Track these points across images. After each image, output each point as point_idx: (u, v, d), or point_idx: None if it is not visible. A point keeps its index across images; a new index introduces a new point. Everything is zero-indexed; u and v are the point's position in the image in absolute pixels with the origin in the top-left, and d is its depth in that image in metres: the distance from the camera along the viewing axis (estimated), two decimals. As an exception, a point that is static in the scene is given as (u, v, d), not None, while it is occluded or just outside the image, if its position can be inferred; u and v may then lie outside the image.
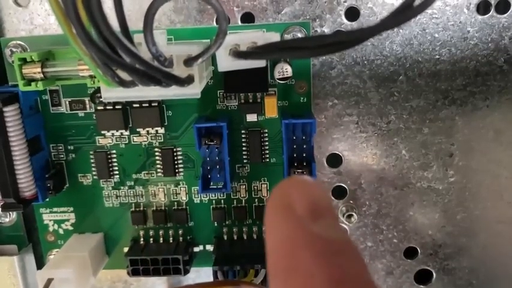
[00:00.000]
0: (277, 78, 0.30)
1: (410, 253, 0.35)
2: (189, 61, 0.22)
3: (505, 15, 0.29)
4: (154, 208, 0.33)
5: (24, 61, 0.27)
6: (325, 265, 0.13)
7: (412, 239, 0.34)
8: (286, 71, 0.29)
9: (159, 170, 0.32)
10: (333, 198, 0.34)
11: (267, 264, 0.14)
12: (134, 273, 0.32)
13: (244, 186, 0.33)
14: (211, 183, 0.32)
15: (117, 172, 0.33)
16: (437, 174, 0.33)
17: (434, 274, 0.35)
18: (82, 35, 0.19)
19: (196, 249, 0.34)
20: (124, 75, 0.21)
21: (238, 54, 0.23)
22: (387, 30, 0.23)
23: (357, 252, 0.14)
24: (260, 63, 0.25)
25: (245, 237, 0.33)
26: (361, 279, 0.13)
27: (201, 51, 0.22)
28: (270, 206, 0.15)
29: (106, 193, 0.33)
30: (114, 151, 0.32)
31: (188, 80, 0.22)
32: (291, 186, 0.15)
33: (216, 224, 0.33)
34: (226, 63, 0.24)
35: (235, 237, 0.33)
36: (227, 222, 0.33)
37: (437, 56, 0.30)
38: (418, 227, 0.34)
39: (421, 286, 0.35)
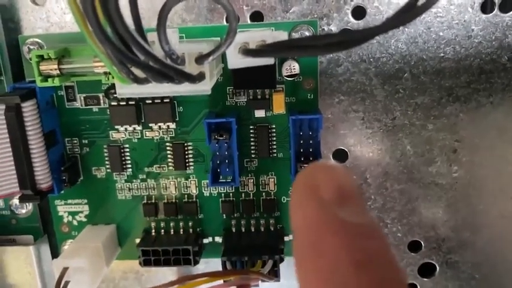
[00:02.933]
0: (285, 75, 0.30)
1: (414, 247, 0.35)
2: (200, 59, 0.23)
3: (509, 14, 0.30)
4: (166, 201, 0.34)
5: (41, 58, 0.28)
6: (350, 249, 0.13)
7: (416, 233, 0.35)
8: (294, 68, 0.30)
9: (170, 164, 0.33)
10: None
11: (293, 243, 0.14)
12: (146, 263, 0.32)
13: (252, 180, 0.33)
14: (221, 177, 0.32)
15: (129, 166, 0.33)
16: (442, 170, 0.33)
17: (437, 267, 0.36)
18: (98, 33, 0.20)
19: (205, 240, 0.35)
20: (138, 73, 0.22)
21: (247, 52, 0.24)
22: (392, 29, 0.23)
23: (382, 236, 0.14)
24: (268, 60, 0.25)
25: (253, 229, 0.34)
26: (385, 261, 0.13)
27: (211, 49, 0.23)
28: (295, 186, 0.15)
29: (119, 186, 0.34)
30: (127, 145, 0.33)
31: (199, 77, 0.23)
32: (317, 170, 0.15)
33: (224, 217, 0.34)
34: (235, 60, 0.24)
35: (243, 229, 0.34)
36: (235, 215, 0.34)
37: (441, 54, 0.31)
38: (422, 221, 0.35)
39: (425, 279, 0.36)
